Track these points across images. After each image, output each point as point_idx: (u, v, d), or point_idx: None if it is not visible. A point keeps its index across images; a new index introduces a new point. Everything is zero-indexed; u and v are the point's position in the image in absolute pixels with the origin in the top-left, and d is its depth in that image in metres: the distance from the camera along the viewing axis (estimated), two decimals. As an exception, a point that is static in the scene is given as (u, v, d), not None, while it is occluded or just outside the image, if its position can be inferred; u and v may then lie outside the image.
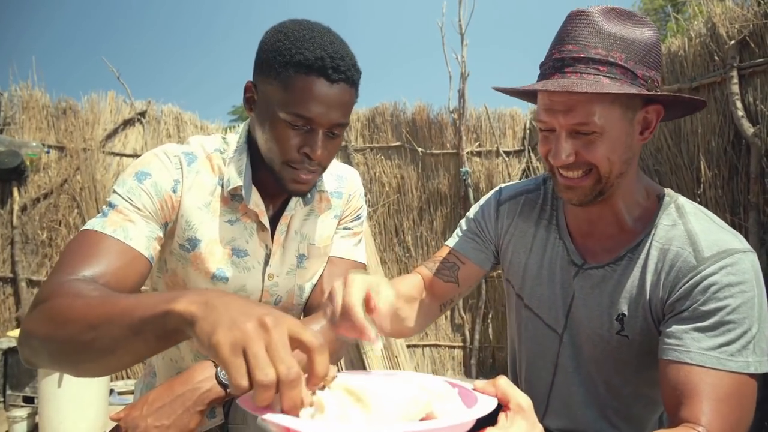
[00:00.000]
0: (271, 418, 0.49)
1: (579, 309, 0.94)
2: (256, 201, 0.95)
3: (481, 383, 0.62)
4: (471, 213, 1.13)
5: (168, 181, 0.90)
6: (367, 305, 0.65)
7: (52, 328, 0.66)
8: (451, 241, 1.11)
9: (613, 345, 0.89)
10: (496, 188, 1.13)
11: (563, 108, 0.81)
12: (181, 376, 0.79)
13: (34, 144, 3.66)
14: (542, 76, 0.86)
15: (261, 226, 0.97)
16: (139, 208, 0.87)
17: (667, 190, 0.91)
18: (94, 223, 0.84)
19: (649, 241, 0.86)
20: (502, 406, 0.60)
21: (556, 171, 0.87)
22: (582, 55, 0.80)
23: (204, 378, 0.78)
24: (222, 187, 0.95)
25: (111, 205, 0.86)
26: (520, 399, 0.60)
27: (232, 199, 0.96)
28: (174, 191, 0.91)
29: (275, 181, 0.93)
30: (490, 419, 0.59)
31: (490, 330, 3.92)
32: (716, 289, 0.76)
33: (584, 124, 0.80)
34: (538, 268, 1.01)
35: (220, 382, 0.79)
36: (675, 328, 0.78)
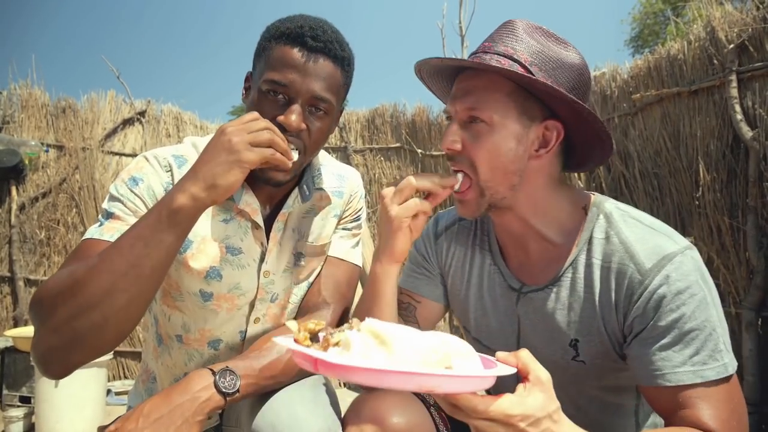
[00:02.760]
0: (302, 350, 0.55)
1: (529, 336, 0.90)
2: (247, 200, 0.95)
3: (503, 354, 0.63)
4: (414, 245, 1.09)
5: (159, 183, 0.91)
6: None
7: (71, 293, 0.71)
8: (402, 280, 1.07)
9: (571, 371, 0.86)
10: (434, 217, 1.09)
11: (461, 93, 0.83)
12: (179, 385, 0.78)
13: (33, 143, 3.65)
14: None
15: (255, 224, 0.97)
16: (135, 212, 0.87)
17: (593, 198, 0.88)
18: (92, 232, 0.85)
19: (585, 258, 0.83)
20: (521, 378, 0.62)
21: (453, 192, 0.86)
22: (492, 50, 0.83)
23: (202, 387, 0.77)
24: None
25: (107, 213, 0.87)
26: (540, 372, 0.61)
27: (233, 201, 0.96)
28: (166, 192, 0.90)
29: (256, 175, 0.89)
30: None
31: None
32: (668, 302, 0.74)
33: (475, 109, 0.81)
34: (479, 298, 0.97)
35: (219, 390, 0.78)
36: (641, 351, 0.76)
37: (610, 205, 0.86)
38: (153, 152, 0.95)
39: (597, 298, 0.81)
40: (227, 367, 0.81)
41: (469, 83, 0.83)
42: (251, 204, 0.95)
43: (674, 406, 0.73)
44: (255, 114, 0.82)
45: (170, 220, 0.72)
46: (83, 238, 0.86)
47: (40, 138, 3.75)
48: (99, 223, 0.87)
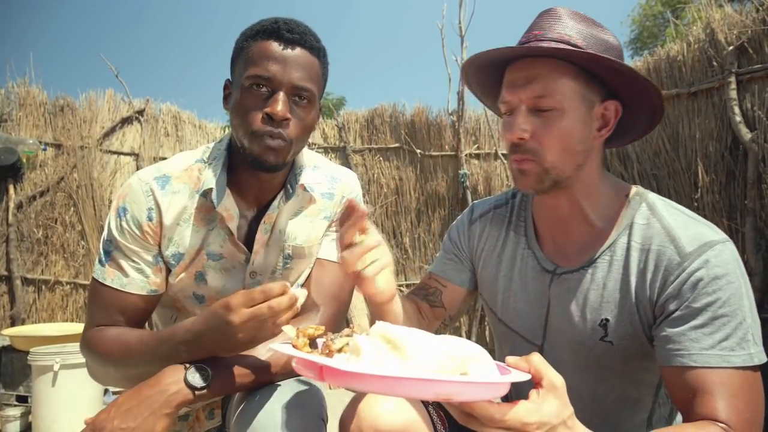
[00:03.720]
0: (307, 356, 0.53)
1: (557, 317, 0.91)
2: (227, 205, 0.96)
3: (514, 359, 0.62)
4: (448, 233, 1.13)
5: (142, 211, 0.95)
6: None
7: (101, 365, 0.97)
8: (433, 266, 1.11)
9: (597, 352, 0.87)
10: (470, 205, 1.13)
11: (524, 81, 0.82)
12: (151, 379, 0.80)
13: (31, 141, 3.64)
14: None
15: (230, 231, 0.98)
16: (129, 249, 0.95)
17: (636, 188, 0.90)
18: (98, 273, 0.97)
19: (625, 242, 0.85)
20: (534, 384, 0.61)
21: (511, 160, 0.87)
22: (546, 37, 0.83)
23: (172, 381, 0.79)
24: (200, 195, 0.97)
25: (107, 253, 0.97)
26: (554, 377, 0.60)
27: (214, 207, 0.96)
28: (150, 219, 0.96)
29: (249, 163, 0.93)
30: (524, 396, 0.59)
31: (487, 332, 3.92)
32: (704, 284, 0.75)
33: (544, 96, 0.81)
34: (509, 281, 0.99)
35: (188, 385, 0.79)
36: (671, 331, 0.77)
37: (653, 196, 0.88)
38: (137, 176, 0.98)
39: (633, 278, 0.82)
40: (201, 363, 0.82)
41: (530, 71, 0.82)
42: (229, 210, 0.96)
43: (693, 391, 0.73)
44: (261, 302, 0.77)
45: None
46: (94, 275, 0.98)
47: (38, 136, 3.74)
48: (101, 261, 0.97)
